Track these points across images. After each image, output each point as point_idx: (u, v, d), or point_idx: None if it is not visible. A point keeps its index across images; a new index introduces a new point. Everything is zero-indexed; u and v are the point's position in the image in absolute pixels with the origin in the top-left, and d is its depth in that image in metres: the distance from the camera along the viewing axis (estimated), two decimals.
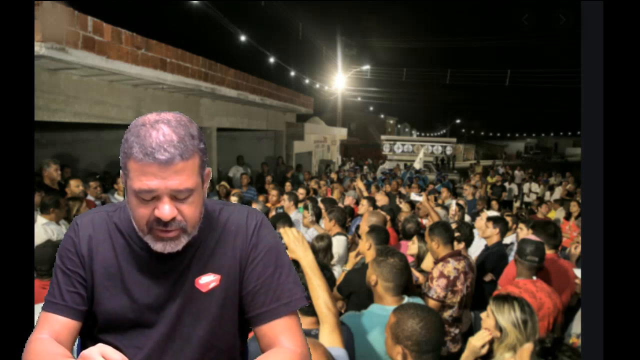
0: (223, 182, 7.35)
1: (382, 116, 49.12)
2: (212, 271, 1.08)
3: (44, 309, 1.07)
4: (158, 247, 0.99)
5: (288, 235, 1.76)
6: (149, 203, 0.94)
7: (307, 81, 25.32)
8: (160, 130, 0.91)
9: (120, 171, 0.97)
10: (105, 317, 1.07)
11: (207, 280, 1.08)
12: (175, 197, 0.94)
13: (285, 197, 5.31)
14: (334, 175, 11.28)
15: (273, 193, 5.91)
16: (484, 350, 1.99)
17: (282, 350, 1.03)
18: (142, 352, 1.06)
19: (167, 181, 0.91)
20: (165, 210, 0.93)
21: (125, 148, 0.92)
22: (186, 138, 0.92)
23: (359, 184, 6.94)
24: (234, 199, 5.44)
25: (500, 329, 1.94)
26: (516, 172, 16.73)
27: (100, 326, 1.08)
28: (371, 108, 49.25)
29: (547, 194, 12.14)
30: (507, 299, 1.99)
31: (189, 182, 0.94)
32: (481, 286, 3.61)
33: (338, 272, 3.41)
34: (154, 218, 0.95)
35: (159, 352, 1.07)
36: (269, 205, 5.59)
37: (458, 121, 70.15)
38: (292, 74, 23.18)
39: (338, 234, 3.97)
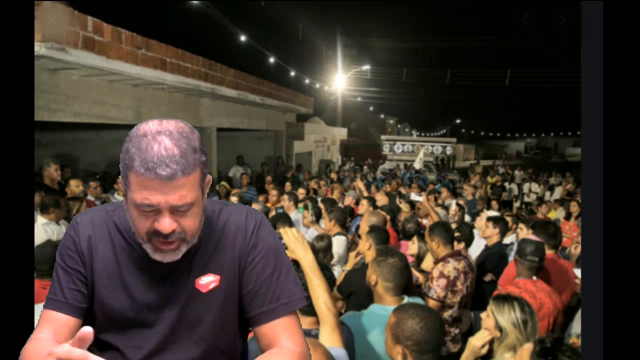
0: (223, 182, 7.35)
1: (382, 116, 49.12)
2: (212, 272, 1.09)
3: (45, 307, 1.07)
4: (157, 256, 0.99)
5: (288, 235, 1.76)
6: (149, 215, 0.94)
7: (307, 81, 25.34)
8: (162, 143, 0.89)
9: (120, 178, 0.97)
10: (104, 316, 1.07)
11: (207, 281, 1.08)
12: (176, 210, 0.94)
13: (285, 197, 5.31)
14: (334, 175, 11.28)
15: (273, 193, 5.91)
16: (484, 350, 1.99)
17: (282, 350, 1.03)
18: (141, 352, 1.06)
19: (167, 196, 0.91)
20: (166, 223, 0.94)
21: (127, 159, 0.91)
22: (188, 152, 0.91)
23: (359, 184, 6.93)
24: (234, 199, 5.44)
25: (500, 329, 1.94)
26: (516, 172, 16.73)
27: (100, 325, 1.08)
28: (371, 108, 49.28)
29: (547, 194, 12.14)
30: (507, 299, 1.99)
31: (189, 197, 0.93)
32: (481, 286, 3.60)
33: (338, 272, 3.41)
34: (154, 230, 0.95)
35: (159, 352, 1.07)
36: (269, 205, 5.59)
37: (458, 121, 70.16)
38: (292, 74, 23.19)
39: (338, 234, 3.97)
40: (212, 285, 1.08)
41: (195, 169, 0.93)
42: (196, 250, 1.08)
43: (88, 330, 0.74)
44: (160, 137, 0.90)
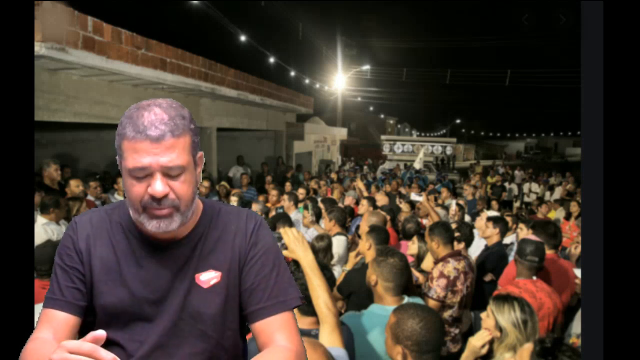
0: (223, 182, 7.35)
1: (382, 116, 49.12)
2: (213, 268, 1.10)
3: (44, 306, 1.07)
4: (152, 225, 1.00)
5: (288, 235, 1.76)
6: (142, 181, 0.96)
7: (307, 81, 25.34)
8: (152, 110, 0.96)
9: (117, 157, 1.01)
10: (105, 312, 1.07)
11: (208, 277, 1.09)
12: (168, 174, 0.97)
13: (285, 197, 5.31)
14: (334, 175, 11.28)
15: (273, 193, 5.91)
16: (484, 350, 1.99)
17: (278, 349, 1.04)
18: (143, 347, 1.06)
19: (158, 157, 0.94)
20: (158, 186, 0.96)
21: (120, 130, 0.97)
22: (177, 118, 0.97)
23: (359, 184, 6.94)
24: (234, 199, 5.44)
25: (500, 329, 1.95)
26: (516, 172, 16.73)
27: (100, 321, 1.08)
28: (371, 108, 49.28)
29: (547, 194, 12.14)
30: (507, 299, 1.99)
31: (180, 159, 0.97)
32: (481, 286, 3.60)
33: (338, 272, 3.41)
34: (148, 196, 0.97)
35: (160, 347, 1.07)
36: (269, 205, 5.59)
37: (458, 121, 70.18)
38: (292, 74, 23.19)
39: (338, 234, 3.97)
40: (213, 282, 1.09)
41: (185, 133, 0.98)
42: (195, 245, 1.09)
43: (102, 333, 0.79)
44: (151, 107, 0.97)
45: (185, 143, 0.98)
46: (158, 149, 0.94)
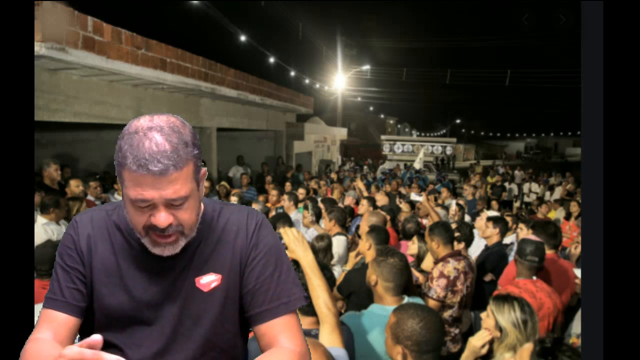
0: (223, 182, 7.35)
1: (382, 116, 49.10)
2: (213, 271, 1.09)
3: (44, 306, 1.07)
4: (156, 250, 1.00)
5: (288, 235, 1.76)
6: (145, 210, 0.95)
7: (307, 81, 25.34)
8: (153, 139, 0.90)
9: (117, 178, 0.98)
10: (104, 314, 1.07)
11: (209, 280, 1.08)
12: (171, 204, 0.95)
13: (285, 197, 5.31)
14: (334, 175, 11.28)
15: (273, 193, 5.91)
16: (484, 350, 1.99)
17: (282, 350, 1.03)
18: (142, 350, 1.06)
19: (161, 191, 0.92)
20: (161, 218, 0.95)
21: (120, 157, 0.92)
22: (179, 147, 0.92)
23: (359, 184, 6.94)
24: (234, 199, 5.44)
25: (500, 329, 1.94)
26: (516, 172, 16.73)
27: (100, 323, 1.08)
28: (371, 108, 49.27)
29: (547, 194, 12.14)
30: (507, 299, 1.99)
31: (183, 191, 0.94)
32: (481, 286, 3.60)
33: (338, 272, 3.41)
34: (150, 224, 0.96)
35: (159, 350, 1.07)
36: (269, 205, 5.59)
37: (458, 121, 70.19)
38: (292, 74, 23.19)
39: (338, 234, 3.97)
40: (213, 285, 1.08)
41: (188, 163, 0.94)
42: (196, 248, 1.08)
43: (97, 338, 0.78)
44: (152, 134, 0.91)
45: (188, 172, 0.95)
46: (161, 183, 0.91)
